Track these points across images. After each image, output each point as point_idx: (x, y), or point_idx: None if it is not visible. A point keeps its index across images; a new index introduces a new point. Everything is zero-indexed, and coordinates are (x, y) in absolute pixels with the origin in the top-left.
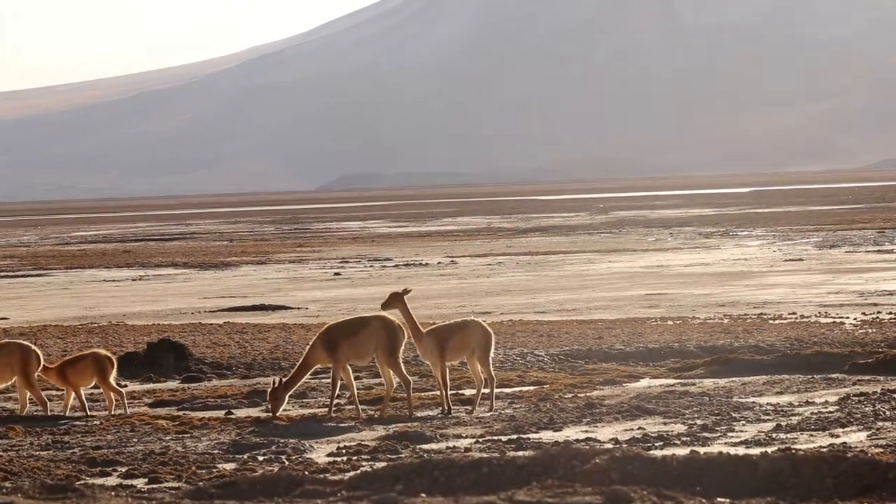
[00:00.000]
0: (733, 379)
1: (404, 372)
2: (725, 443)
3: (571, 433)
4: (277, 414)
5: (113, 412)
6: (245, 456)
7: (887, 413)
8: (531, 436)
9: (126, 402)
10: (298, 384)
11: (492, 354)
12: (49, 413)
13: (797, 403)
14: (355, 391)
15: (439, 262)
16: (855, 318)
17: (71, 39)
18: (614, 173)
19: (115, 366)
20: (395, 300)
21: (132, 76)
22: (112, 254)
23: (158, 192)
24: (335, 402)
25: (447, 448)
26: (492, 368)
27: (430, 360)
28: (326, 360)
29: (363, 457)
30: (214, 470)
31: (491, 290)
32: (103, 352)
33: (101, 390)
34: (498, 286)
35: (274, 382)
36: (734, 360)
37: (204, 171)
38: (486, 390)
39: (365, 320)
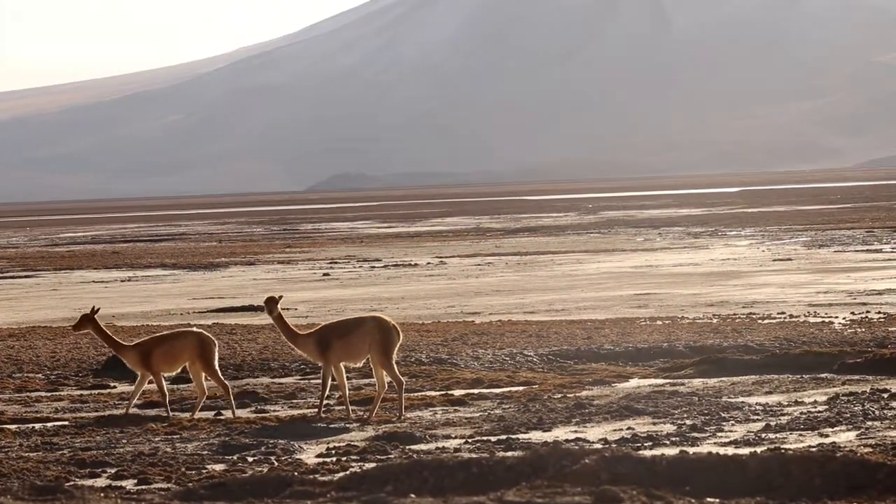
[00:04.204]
0: (722, 379)
1: (397, 373)
2: (715, 443)
3: (561, 433)
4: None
5: None
6: (234, 457)
7: (876, 412)
8: (520, 436)
9: None
10: (286, 330)
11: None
12: None
13: (786, 403)
14: (346, 392)
15: (428, 263)
16: (844, 318)
17: (60, 40)
18: (604, 173)
19: None
20: (86, 321)
21: (121, 77)
22: (101, 255)
23: (148, 193)
24: (325, 402)
25: (437, 448)
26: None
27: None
28: (317, 357)
29: (353, 457)
30: (204, 471)
31: (480, 290)
32: None
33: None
34: (487, 286)
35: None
36: (723, 359)
37: (193, 171)
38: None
39: (359, 321)
